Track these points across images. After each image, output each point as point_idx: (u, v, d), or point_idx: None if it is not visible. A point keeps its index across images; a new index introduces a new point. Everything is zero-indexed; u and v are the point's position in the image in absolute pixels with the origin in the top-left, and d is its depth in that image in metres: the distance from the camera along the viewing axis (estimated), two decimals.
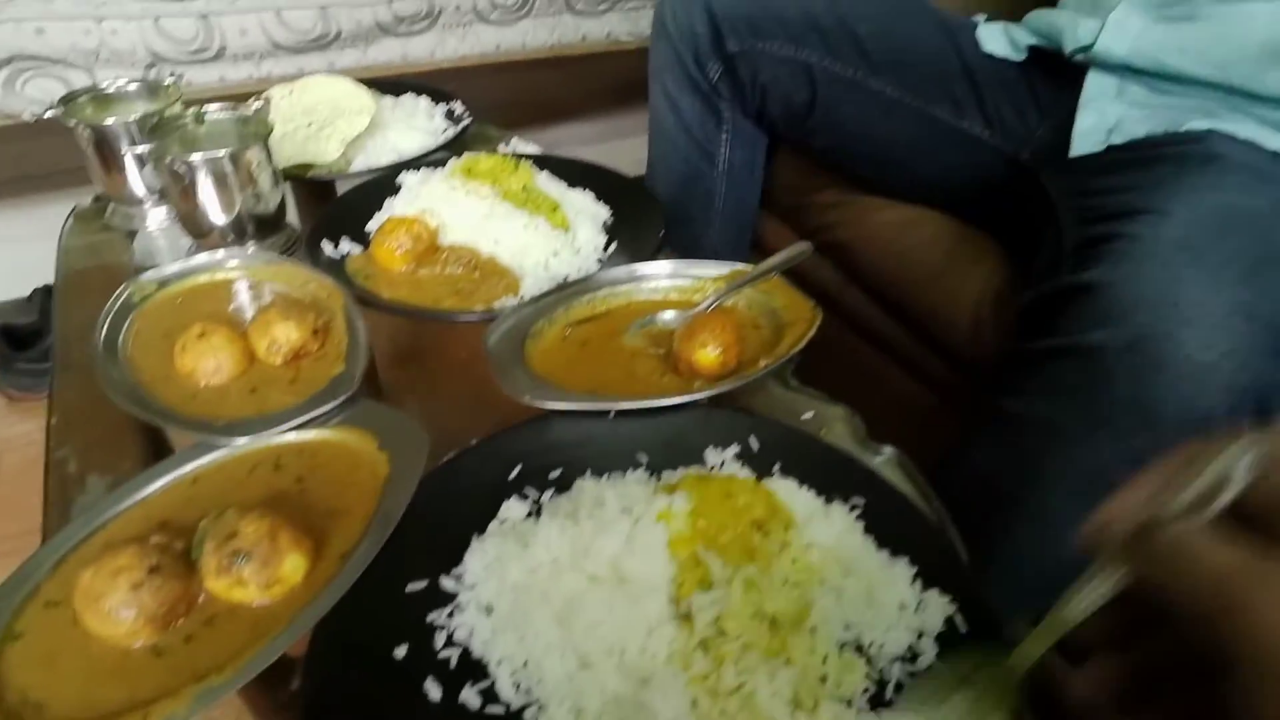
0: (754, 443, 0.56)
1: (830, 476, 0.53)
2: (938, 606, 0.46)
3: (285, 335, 0.61)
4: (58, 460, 0.58)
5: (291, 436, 0.55)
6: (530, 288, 0.72)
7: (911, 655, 0.45)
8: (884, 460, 0.62)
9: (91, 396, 0.62)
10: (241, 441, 0.53)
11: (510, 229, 0.77)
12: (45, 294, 1.49)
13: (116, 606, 0.42)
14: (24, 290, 1.52)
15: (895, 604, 0.47)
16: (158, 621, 0.42)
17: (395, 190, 0.86)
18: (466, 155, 0.87)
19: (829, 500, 0.51)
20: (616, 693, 0.40)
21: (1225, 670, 0.24)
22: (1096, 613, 0.30)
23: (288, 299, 0.67)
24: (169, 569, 0.43)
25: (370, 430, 0.54)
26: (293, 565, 0.45)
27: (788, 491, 0.50)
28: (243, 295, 0.69)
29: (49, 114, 0.84)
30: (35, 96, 1.31)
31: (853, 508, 0.51)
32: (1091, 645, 0.33)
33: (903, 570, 0.48)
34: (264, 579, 0.44)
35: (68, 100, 0.87)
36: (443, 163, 0.88)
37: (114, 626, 0.42)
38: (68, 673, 0.41)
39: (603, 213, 0.85)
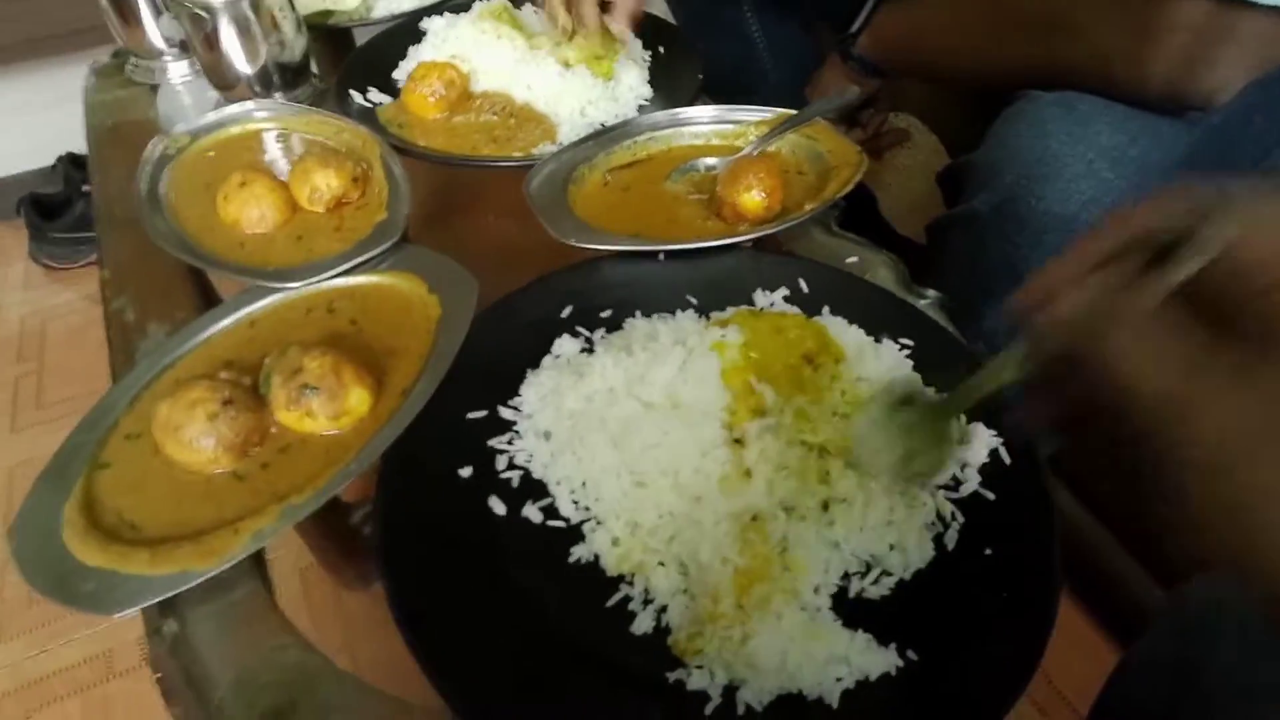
0: (803, 285, 0.56)
1: (878, 316, 0.54)
2: (982, 440, 0.47)
3: (326, 182, 0.60)
4: (116, 310, 0.59)
5: (342, 281, 0.55)
6: (567, 134, 0.71)
7: (955, 484, 0.46)
8: (929, 303, 0.62)
9: (140, 249, 0.63)
10: (295, 286, 0.54)
11: (544, 75, 0.74)
12: (69, 162, 1.48)
13: (196, 435, 0.43)
14: (48, 159, 1.51)
15: None
16: (235, 449, 0.44)
17: (419, 37, 0.82)
18: None
19: (878, 339, 0.52)
20: (671, 509, 0.42)
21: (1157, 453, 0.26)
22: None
23: (324, 148, 0.66)
24: (241, 401, 0.45)
25: (419, 274, 0.55)
26: (357, 398, 0.46)
27: (837, 328, 0.51)
28: (276, 146, 0.68)
29: None
30: None
31: (901, 346, 0.52)
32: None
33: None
34: (331, 410, 0.45)
35: None
36: (467, 7, 0.84)
37: (195, 454, 0.44)
38: (156, 496, 0.44)
39: (644, 58, 0.82)
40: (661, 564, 0.41)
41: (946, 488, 0.46)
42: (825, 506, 0.43)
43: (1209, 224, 0.27)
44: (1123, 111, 0.58)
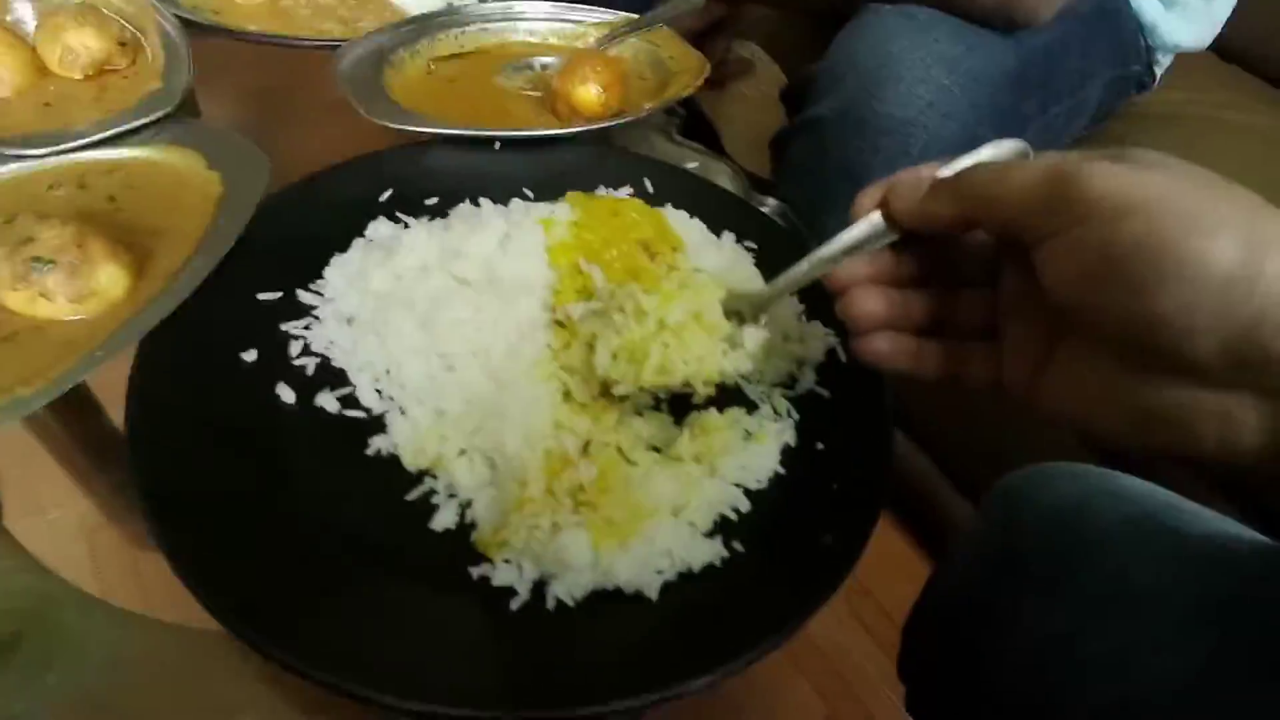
0: (648, 184, 0.52)
1: (721, 216, 0.51)
2: (820, 338, 0.46)
3: (82, 43, 0.50)
4: None
5: (100, 154, 0.46)
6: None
7: (791, 382, 0.45)
8: (770, 210, 0.61)
9: None
10: (35, 154, 0.45)
11: None
12: None
13: None
14: None
15: (780, 334, 0.46)
16: None
17: None
18: None
19: (719, 234, 0.49)
20: (480, 395, 0.38)
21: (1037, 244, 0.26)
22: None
23: (84, 6, 0.55)
24: None
25: (197, 149, 0.47)
26: (109, 277, 0.38)
27: (679, 221, 0.48)
28: (25, 4, 0.57)
29: None
30: None
31: (745, 247, 0.50)
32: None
33: (788, 303, 0.47)
34: (73, 290, 0.37)
35: None
36: None
37: None
38: None
39: None
40: (466, 455, 0.37)
41: (783, 385, 0.45)
42: (656, 406, 0.41)
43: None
44: (958, 24, 0.60)
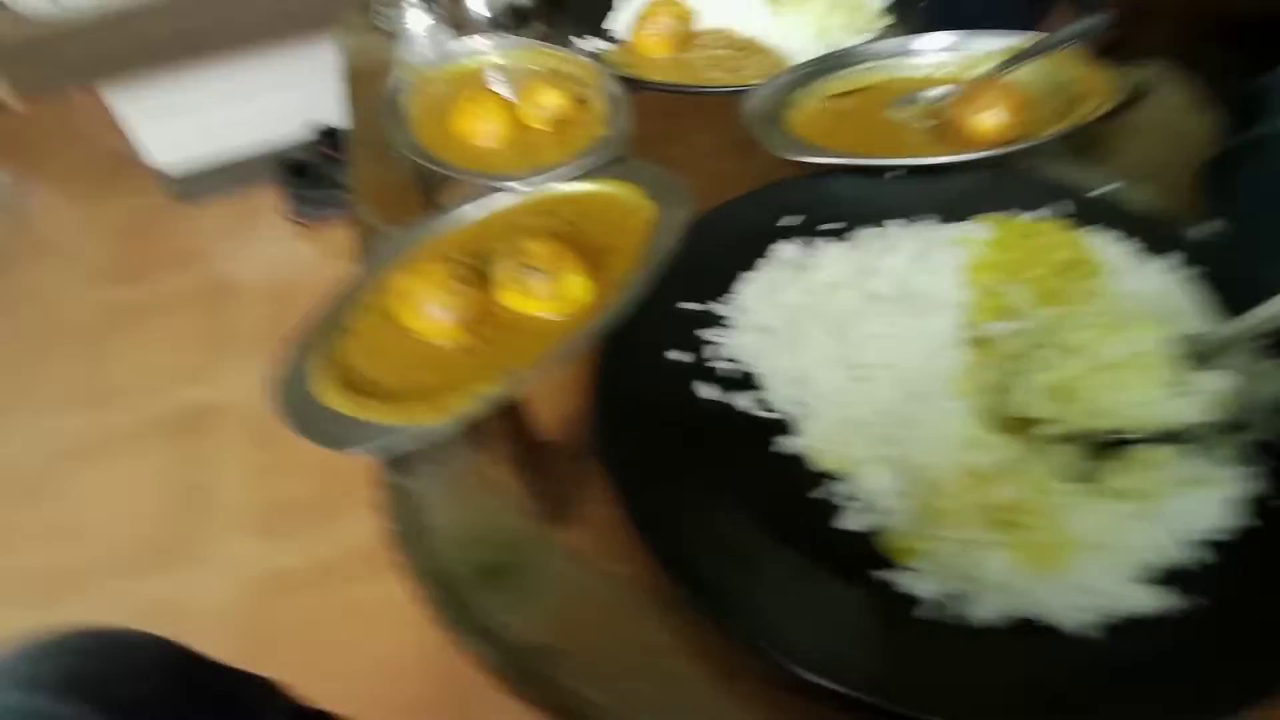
0: (1060, 207, 0.50)
1: (1149, 240, 0.47)
2: (1274, 380, 0.40)
3: (550, 100, 0.62)
4: (360, 214, 0.64)
5: (564, 187, 0.57)
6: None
7: (1241, 426, 0.39)
8: (1205, 237, 0.54)
9: (380, 163, 0.68)
10: (519, 187, 0.56)
11: (765, 10, 0.72)
12: (323, 133, 1.65)
13: (430, 306, 0.46)
14: (306, 132, 1.68)
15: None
16: (464, 323, 0.46)
17: None
18: None
19: (1147, 260, 0.46)
20: (890, 406, 0.39)
21: None
22: None
23: (549, 73, 0.68)
24: (472, 279, 0.47)
25: (636, 183, 0.55)
26: (578, 285, 0.47)
27: (1101, 244, 0.45)
28: (506, 75, 0.72)
29: None
30: None
31: (1179, 275, 0.45)
32: None
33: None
34: (551, 293, 0.46)
35: None
36: None
37: (427, 324, 0.46)
38: (391, 361, 0.46)
39: None
40: (874, 462, 0.38)
41: (1231, 429, 0.39)
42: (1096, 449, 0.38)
43: None
44: None
